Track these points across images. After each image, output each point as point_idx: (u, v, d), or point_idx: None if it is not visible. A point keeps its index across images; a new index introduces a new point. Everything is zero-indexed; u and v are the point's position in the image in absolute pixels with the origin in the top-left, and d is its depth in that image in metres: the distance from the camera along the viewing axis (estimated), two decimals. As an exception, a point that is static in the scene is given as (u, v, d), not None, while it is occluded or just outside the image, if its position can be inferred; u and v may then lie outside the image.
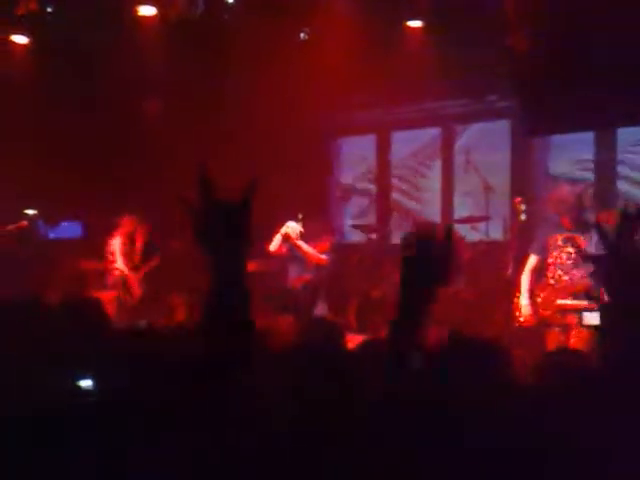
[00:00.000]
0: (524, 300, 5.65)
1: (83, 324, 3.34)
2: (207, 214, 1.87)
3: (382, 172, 9.98)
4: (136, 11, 8.01)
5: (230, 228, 1.87)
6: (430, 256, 1.98)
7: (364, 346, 3.01)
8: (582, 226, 5.43)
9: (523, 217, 6.38)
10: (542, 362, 2.57)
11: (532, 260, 5.67)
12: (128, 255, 8.35)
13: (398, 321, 2.00)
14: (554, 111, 7.06)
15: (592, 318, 5.17)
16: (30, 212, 9.31)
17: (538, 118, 7.29)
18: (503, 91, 8.08)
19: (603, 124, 7.40)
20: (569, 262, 5.49)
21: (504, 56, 7.24)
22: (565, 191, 5.48)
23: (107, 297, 8.11)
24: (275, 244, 6.71)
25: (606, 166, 7.93)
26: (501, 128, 8.77)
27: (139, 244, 8.47)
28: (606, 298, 1.99)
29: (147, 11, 8.03)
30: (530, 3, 6.64)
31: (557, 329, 5.50)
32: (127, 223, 8.34)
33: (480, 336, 2.95)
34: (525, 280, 5.68)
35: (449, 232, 2.02)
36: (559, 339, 5.41)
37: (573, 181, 5.74)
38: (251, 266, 8.49)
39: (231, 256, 1.86)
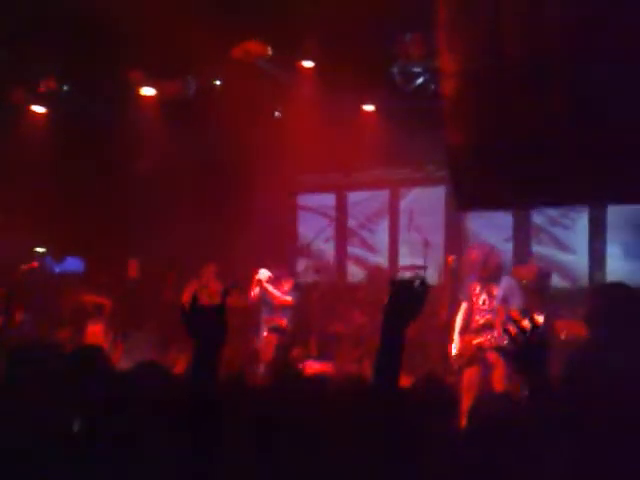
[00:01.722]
0: (455, 336, 5.84)
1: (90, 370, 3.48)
2: (192, 317, 2.37)
3: (340, 226, 10.27)
4: (138, 91, 8.27)
5: (208, 326, 2.36)
6: (408, 297, 2.37)
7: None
8: (490, 279, 5.70)
9: (454, 272, 6.66)
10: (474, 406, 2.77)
11: (463, 305, 5.92)
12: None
13: (382, 347, 2.43)
14: (481, 193, 7.45)
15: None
16: (40, 250, 9.38)
17: (466, 198, 7.66)
18: (439, 162, 8.39)
19: (523, 206, 7.84)
20: (484, 307, 5.73)
21: (439, 144, 7.62)
22: (473, 254, 5.77)
23: (99, 328, 8.18)
24: (254, 292, 6.90)
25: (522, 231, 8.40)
26: (438, 194, 9.14)
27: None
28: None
29: (147, 92, 8.29)
30: (462, 106, 7.04)
31: (478, 366, 5.66)
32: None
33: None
34: (458, 322, 5.88)
35: (424, 281, 2.40)
36: (481, 376, 5.61)
37: (481, 244, 5.98)
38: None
39: (207, 344, 2.33)
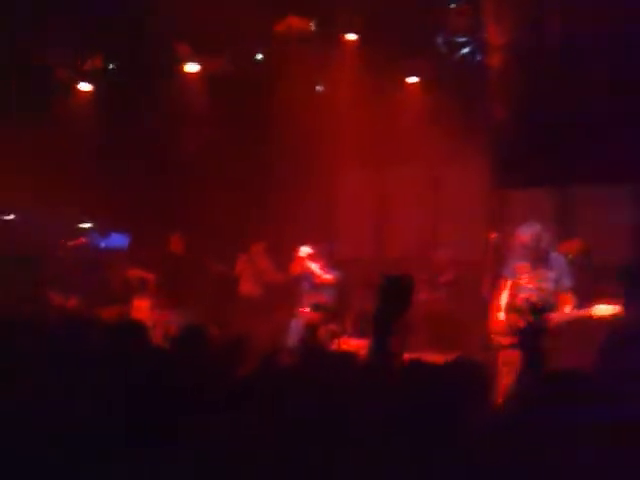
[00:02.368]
0: (501, 313, 5.73)
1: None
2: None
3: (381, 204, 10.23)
4: (183, 67, 8.36)
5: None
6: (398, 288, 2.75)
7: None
8: (541, 261, 5.62)
9: (496, 249, 6.57)
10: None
11: (509, 283, 5.79)
12: None
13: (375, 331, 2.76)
14: (524, 169, 7.39)
15: (603, 310, 5.17)
16: (86, 226, 9.58)
17: (509, 173, 7.61)
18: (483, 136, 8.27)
19: (563, 181, 7.72)
20: (530, 287, 5.61)
21: (486, 119, 7.55)
22: (525, 237, 5.61)
23: (145, 304, 8.36)
24: (296, 267, 6.92)
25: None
26: (481, 169, 8.97)
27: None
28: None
29: (192, 68, 8.37)
30: (506, 79, 6.96)
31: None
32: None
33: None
34: (503, 299, 5.78)
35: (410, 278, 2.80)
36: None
37: (531, 225, 5.88)
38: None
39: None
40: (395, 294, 2.82)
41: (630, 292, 5.20)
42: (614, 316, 5.15)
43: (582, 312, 5.40)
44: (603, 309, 5.25)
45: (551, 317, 5.45)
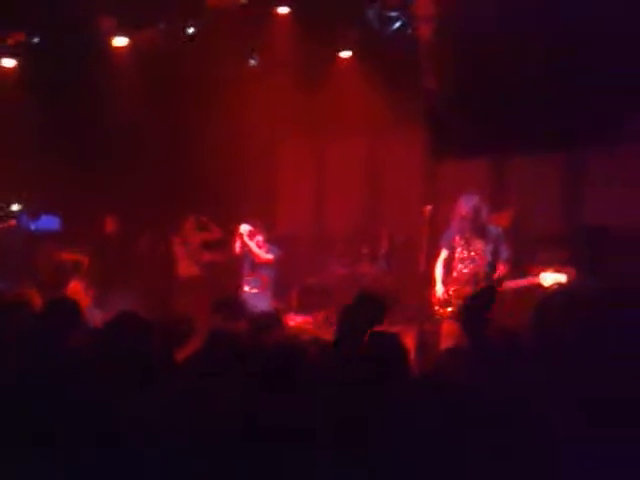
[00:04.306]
0: (439, 286, 5.89)
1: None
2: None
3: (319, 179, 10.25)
4: (111, 41, 8.14)
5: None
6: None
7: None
8: (478, 233, 5.77)
9: (430, 222, 6.64)
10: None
11: (443, 254, 5.96)
12: None
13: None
14: (457, 140, 7.50)
15: (549, 278, 5.29)
16: (15, 208, 9.31)
17: (442, 145, 7.71)
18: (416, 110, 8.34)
19: (495, 152, 7.88)
20: (468, 258, 5.79)
21: (418, 94, 7.63)
22: (464, 209, 5.72)
23: (79, 287, 8.20)
24: (237, 246, 6.86)
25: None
26: (413, 142, 9.10)
27: None
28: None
29: (120, 42, 8.16)
30: (437, 51, 7.03)
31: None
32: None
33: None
34: (438, 270, 5.95)
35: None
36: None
37: (469, 196, 5.97)
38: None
39: None
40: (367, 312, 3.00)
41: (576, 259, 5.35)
42: (561, 284, 5.31)
43: (530, 280, 5.55)
44: (550, 277, 5.40)
45: (499, 287, 5.48)
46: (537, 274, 5.49)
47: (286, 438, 2.02)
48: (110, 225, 9.07)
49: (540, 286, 5.47)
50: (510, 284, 5.60)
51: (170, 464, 2.12)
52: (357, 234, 9.09)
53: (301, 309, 8.51)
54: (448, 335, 5.75)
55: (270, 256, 6.90)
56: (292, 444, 1.98)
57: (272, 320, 3.65)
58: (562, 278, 5.38)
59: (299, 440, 2.00)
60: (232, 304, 3.76)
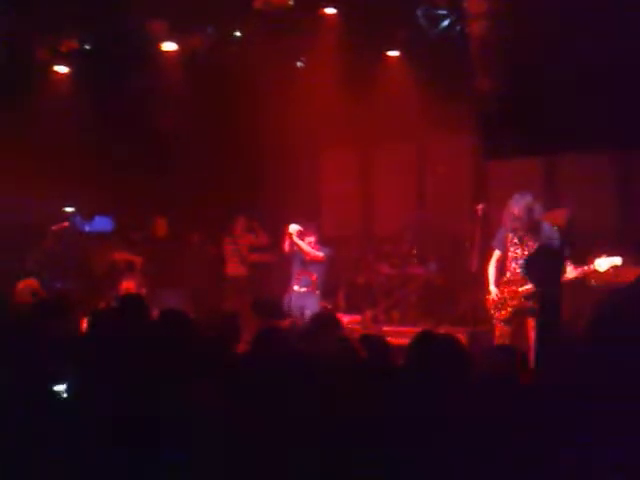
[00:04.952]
0: (492, 287, 5.80)
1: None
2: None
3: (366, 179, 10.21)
4: (160, 47, 8.26)
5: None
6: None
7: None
8: (532, 232, 5.66)
9: (483, 221, 6.56)
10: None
11: (495, 254, 5.87)
12: None
13: None
14: (507, 140, 7.41)
15: (604, 263, 5.24)
16: (69, 209, 9.49)
17: (493, 145, 7.62)
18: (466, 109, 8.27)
19: (547, 151, 7.74)
20: (522, 258, 5.67)
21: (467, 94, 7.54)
22: (516, 208, 5.61)
23: (132, 286, 8.34)
24: (287, 244, 6.89)
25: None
26: (464, 142, 9.05)
27: None
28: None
29: (169, 46, 8.28)
30: (490, 51, 6.94)
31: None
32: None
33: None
34: (491, 270, 5.85)
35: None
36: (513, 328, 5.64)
37: (522, 195, 5.86)
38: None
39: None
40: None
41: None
42: (616, 267, 5.18)
43: (585, 270, 5.44)
44: (605, 262, 5.28)
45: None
46: (591, 262, 5.38)
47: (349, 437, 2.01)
48: (161, 226, 9.20)
49: (596, 272, 5.36)
50: (567, 276, 5.48)
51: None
52: (406, 234, 9.04)
53: (348, 309, 8.52)
54: (501, 337, 5.67)
55: (321, 253, 6.92)
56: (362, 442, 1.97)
57: (330, 320, 3.65)
58: (617, 261, 5.26)
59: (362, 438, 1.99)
60: (272, 305, 3.78)
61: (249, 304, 5.66)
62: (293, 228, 6.85)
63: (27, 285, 5.63)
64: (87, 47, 8.10)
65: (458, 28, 7.70)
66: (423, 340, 2.66)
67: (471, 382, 2.45)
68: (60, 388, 2.58)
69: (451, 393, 2.31)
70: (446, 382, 2.38)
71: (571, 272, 5.45)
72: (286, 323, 4.97)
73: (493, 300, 5.80)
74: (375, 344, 3.06)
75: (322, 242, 7.21)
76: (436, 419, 2.10)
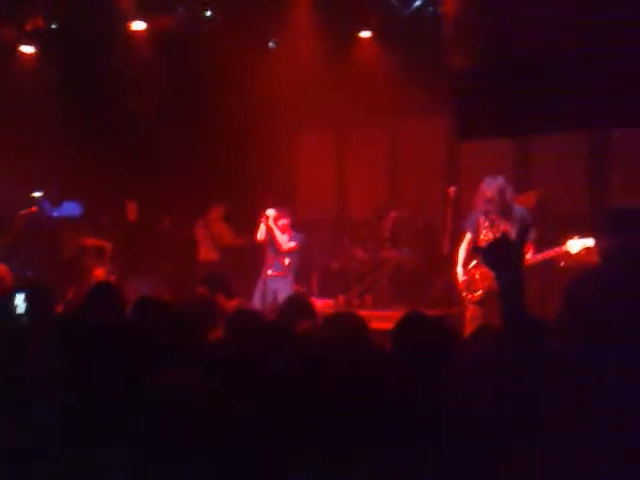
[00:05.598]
0: (459, 268, 5.81)
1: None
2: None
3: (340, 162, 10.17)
4: (129, 26, 8.11)
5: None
6: None
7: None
8: (504, 214, 5.65)
9: (454, 203, 6.54)
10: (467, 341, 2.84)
11: (467, 237, 5.87)
12: None
13: None
14: (482, 120, 7.39)
15: (576, 245, 5.22)
16: (36, 194, 9.33)
17: (467, 125, 7.60)
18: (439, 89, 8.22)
19: (522, 131, 7.74)
20: (492, 239, 5.56)
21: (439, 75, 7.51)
22: (489, 191, 5.60)
23: (103, 272, 8.25)
24: (261, 232, 6.86)
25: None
26: (436, 123, 9.00)
27: None
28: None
29: (138, 26, 8.12)
30: (463, 28, 6.90)
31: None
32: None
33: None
34: (461, 252, 5.86)
35: None
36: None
37: (495, 178, 5.85)
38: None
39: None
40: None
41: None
42: (589, 249, 5.19)
43: (557, 251, 5.44)
44: (577, 243, 5.28)
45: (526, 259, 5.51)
46: (563, 243, 5.39)
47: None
48: (131, 210, 9.07)
49: (568, 254, 5.38)
50: (537, 257, 5.50)
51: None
52: (378, 218, 9.02)
53: (322, 293, 8.51)
54: (473, 319, 5.68)
55: (293, 244, 6.98)
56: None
57: (302, 303, 3.60)
58: (590, 242, 5.28)
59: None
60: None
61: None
62: (271, 212, 6.85)
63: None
64: (53, 26, 7.90)
65: (430, 8, 7.66)
66: (412, 321, 2.60)
67: (463, 364, 2.43)
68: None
69: (444, 375, 2.27)
70: (439, 364, 2.34)
71: (533, 257, 5.47)
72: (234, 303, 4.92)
73: (463, 282, 5.81)
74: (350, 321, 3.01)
75: (296, 226, 7.20)
76: (431, 403, 2.05)
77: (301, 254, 7.16)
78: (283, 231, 6.95)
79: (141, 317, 3.23)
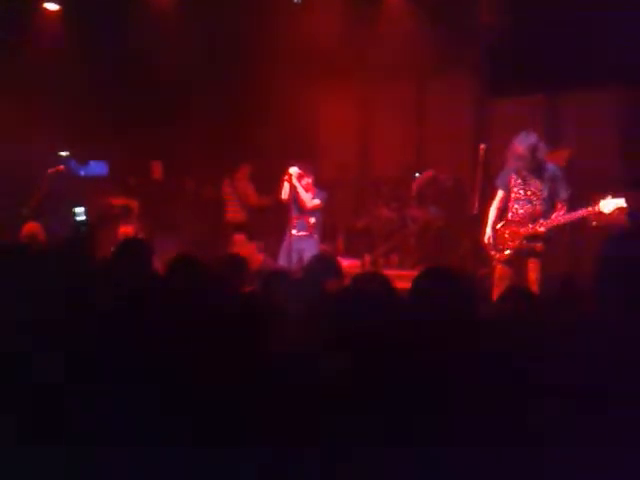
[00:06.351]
0: (488, 229, 5.73)
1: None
2: None
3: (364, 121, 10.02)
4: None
5: None
6: None
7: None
8: (536, 172, 5.55)
9: (485, 161, 6.43)
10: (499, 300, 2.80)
11: (499, 195, 5.76)
12: None
13: None
14: (512, 78, 7.23)
15: (609, 204, 5.12)
16: (63, 153, 9.36)
17: (498, 82, 7.44)
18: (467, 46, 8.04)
19: (553, 87, 7.56)
20: (524, 198, 5.58)
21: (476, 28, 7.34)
22: (521, 147, 5.47)
23: (130, 230, 8.29)
24: (285, 191, 6.79)
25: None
26: (466, 80, 8.84)
27: None
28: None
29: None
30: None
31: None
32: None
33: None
34: (492, 211, 5.76)
35: None
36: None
37: (527, 135, 5.72)
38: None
39: None
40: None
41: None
42: (621, 209, 5.10)
43: (589, 210, 5.34)
44: (610, 203, 5.17)
45: (556, 218, 5.39)
46: (596, 202, 5.29)
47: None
48: (156, 171, 9.07)
49: (601, 214, 5.29)
50: (569, 216, 5.41)
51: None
52: (405, 176, 8.93)
53: (348, 252, 8.49)
54: (501, 279, 5.63)
55: (317, 201, 6.89)
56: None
57: (329, 262, 3.58)
58: (622, 202, 5.18)
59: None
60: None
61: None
62: (294, 170, 6.77)
63: (30, 229, 5.57)
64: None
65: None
66: (431, 275, 2.54)
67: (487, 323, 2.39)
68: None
69: (465, 330, 2.24)
70: (459, 317, 2.30)
71: (573, 212, 5.38)
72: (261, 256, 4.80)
73: (492, 240, 5.74)
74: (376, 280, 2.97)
75: (319, 185, 7.14)
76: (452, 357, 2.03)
77: (325, 213, 7.09)
78: (307, 189, 6.89)
79: (177, 276, 3.21)
